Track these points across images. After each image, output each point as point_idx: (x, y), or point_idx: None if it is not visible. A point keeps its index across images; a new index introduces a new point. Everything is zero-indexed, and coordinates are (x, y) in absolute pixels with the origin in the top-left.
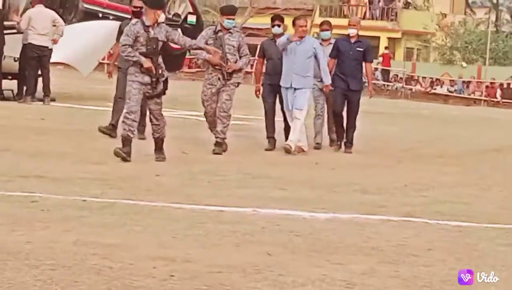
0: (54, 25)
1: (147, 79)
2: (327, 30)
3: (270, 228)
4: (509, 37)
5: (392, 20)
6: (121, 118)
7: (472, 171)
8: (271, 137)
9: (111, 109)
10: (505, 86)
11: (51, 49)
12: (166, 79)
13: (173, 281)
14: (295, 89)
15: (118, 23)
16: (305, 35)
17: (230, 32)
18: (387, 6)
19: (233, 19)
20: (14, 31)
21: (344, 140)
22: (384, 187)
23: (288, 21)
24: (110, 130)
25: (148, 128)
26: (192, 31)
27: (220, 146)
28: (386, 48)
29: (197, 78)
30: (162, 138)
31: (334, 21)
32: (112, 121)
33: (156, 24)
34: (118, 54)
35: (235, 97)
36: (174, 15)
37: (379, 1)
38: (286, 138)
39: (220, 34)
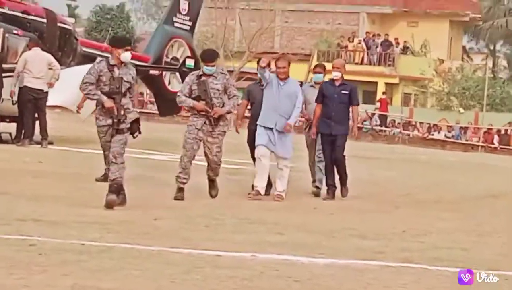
0: (50, 68)
1: (109, 121)
2: (320, 72)
3: (268, 273)
4: (506, 83)
5: (389, 65)
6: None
7: (470, 217)
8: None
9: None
10: (502, 132)
11: (47, 92)
12: (137, 120)
13: None
14: (278, 131)
15: None
16: (285, 76)
17: (213, 76)
18: (384, 51)
19: (213, 66)
20: (13, 74)
21: (337, 186)
22: (382, 233)
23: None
24: (106, 177)
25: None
26: None
27: (213, 182)
28: (383, 93)
29: None
30: (118, 182)
31: (331, 66)
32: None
33: (122, 64)
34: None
35: (231, 140)
36: (172, 58)
37: (376, 47)
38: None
39: (203, 78)
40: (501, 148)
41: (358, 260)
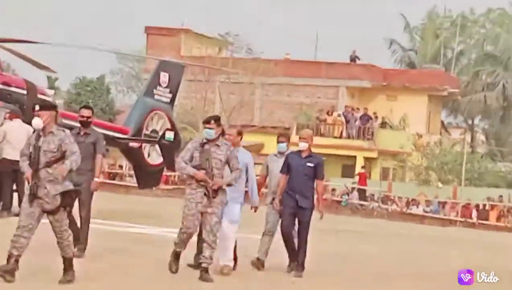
0: None
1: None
2: (283, 142)
3: None
4: (484, 158)
5: (368, 139)
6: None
7: None
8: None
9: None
10: (481, 207)
11: None
12: (68, 193)
13: None
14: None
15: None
16: (231, 144)
17: (217, 145)
18: (363, 125)
19: (212, 128)
20: None
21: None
22: None
23: (264, 139)
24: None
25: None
26: (170, 147)
27: (207, 273)
28: (362, 167)
29: (173, 195)
30: (68, 257)
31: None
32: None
33: (49, 132)
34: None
35: None
36: (152, 131)
37: (355, 120)
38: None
39: (206, 147)
40: (479, 223)
41: None
